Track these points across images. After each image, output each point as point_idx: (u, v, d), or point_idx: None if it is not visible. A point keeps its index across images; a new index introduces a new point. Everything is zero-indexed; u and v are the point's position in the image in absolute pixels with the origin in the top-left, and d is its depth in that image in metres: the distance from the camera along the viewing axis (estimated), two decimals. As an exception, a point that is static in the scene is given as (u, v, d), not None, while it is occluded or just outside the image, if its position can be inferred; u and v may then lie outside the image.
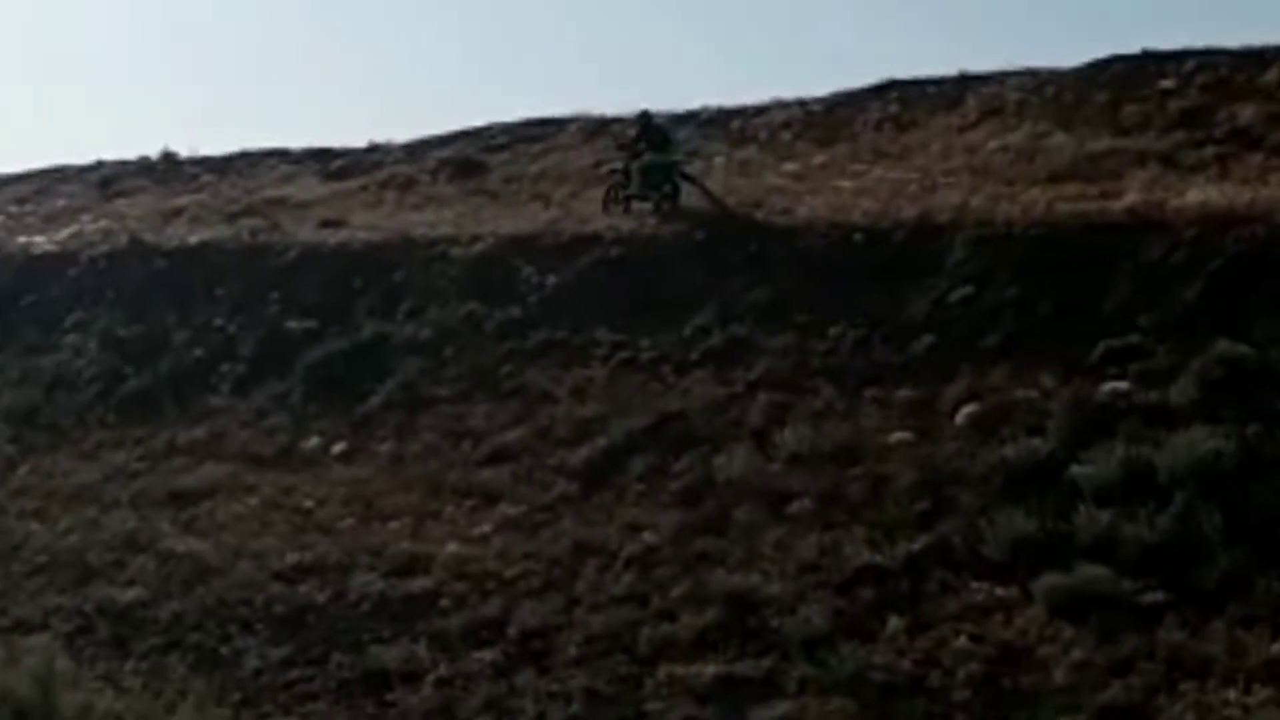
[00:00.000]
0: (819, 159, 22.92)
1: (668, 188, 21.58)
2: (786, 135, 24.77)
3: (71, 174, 35.09)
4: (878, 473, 14.62)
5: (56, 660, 13.38)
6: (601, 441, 16.55)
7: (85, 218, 29.87)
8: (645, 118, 23.21)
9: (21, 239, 28.59)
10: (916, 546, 13.31)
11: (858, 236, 18.52)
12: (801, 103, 25.83)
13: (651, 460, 16.06)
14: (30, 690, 11.93)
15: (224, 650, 14.50)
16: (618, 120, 27.07)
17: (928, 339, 16.49)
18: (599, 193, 22.96)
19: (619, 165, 22.83)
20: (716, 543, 14.25)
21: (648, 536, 14.57)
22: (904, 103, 24.63)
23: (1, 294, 25.88)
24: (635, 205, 21.96)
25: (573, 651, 13.09)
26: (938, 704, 11.46)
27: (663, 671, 12.44)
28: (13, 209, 32.45)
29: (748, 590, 13.22)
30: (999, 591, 12.56)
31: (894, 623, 12.41)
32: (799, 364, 16.85)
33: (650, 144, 22.46)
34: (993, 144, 21.72)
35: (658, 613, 13.34)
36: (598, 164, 25.30)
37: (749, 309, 17.98)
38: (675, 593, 13.51)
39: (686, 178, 21.85)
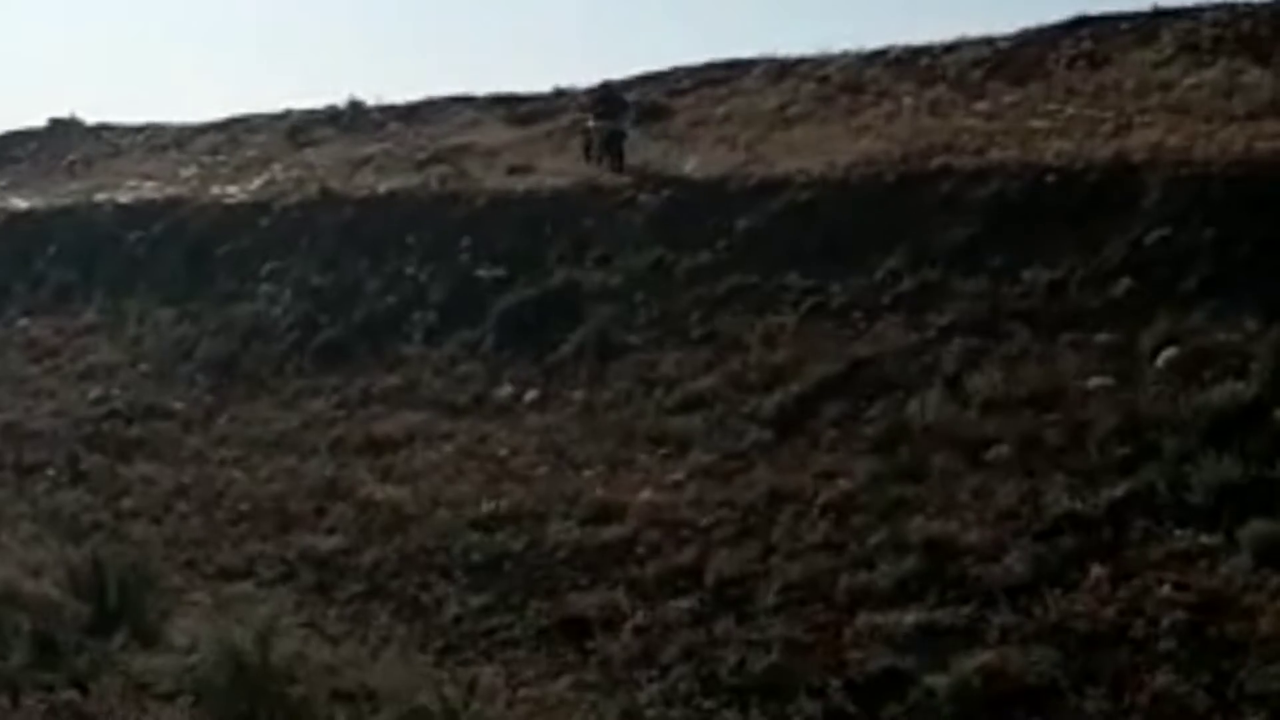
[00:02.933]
0: (1009, 98, 22.48)
1: (615, 150, 24.01)
2: (976, 74, 24.34)
3: (260, 123, 35.53)
4: (1077, 418, 14.34)
5: (270, 609, 13.67)
6: (794, 388, 16.46)
7: (276, 167, 30.27)
8: (605, 87, 26.38)
9: (215, 189, 29.05)
10: (1118, 493, 13.05)
11: (1050, 177, 18.17)
12: (990, 40, 25.36)
13: (844, 407, 15.94)
14: (247, 639, 12.16)
15: (424, 598, 14.70)
16: (804, 61, 26.87)
17: (1125, 282, 16.14)
18: (788, 136, 22.88)
19: (589, 125, 25.27)
20: (913, 489, 14.10)
21: (843, 483, 14.46)
22: (1096, 39, 24.07)
23: (197, 244, 26.36)
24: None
25: (770, 600, 13.07)
26: (1141, 653, 11.26)
27: (861, 620, 12.36)
28: (205, 159, 32.97)
29: (946, 538, 13.09)
30: (1203, 539, 12.28)
31: (1096, 571, 12.20)
32: (993, 308, 16.60)
33: (607, 111, 24.88)
34: (1188, 81, 21.17)
35: (855, 560, 13.26)
36: (783, 107, 25.17)
37: (941, 253, 17.72)
38: (872, 540, 13.41)
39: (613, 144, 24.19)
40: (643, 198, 21.20)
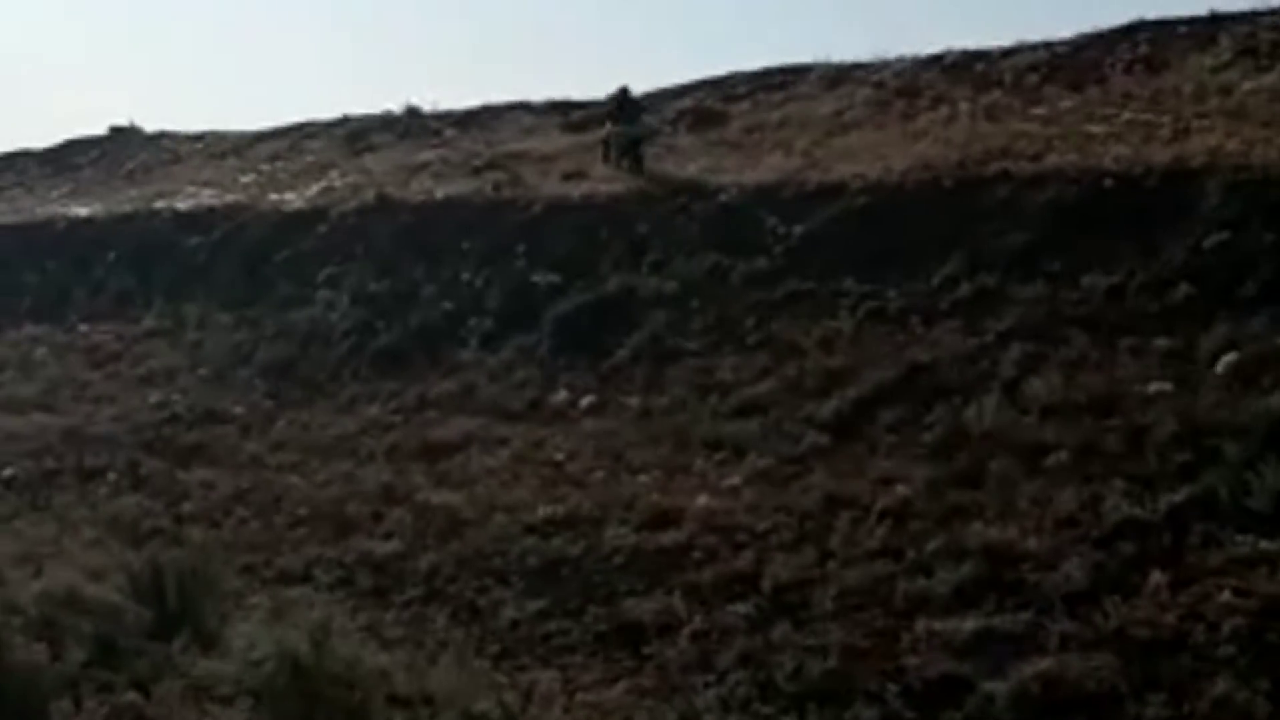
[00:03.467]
0: (1067, 103, 22.41)
1: (632, 155, 24.83)
2: (1033, 78, 24.27)
3: (318, 130, 35.69)
4: (1136, 424, 14.27)
5: (326, 612, 13.73)
6: (850, 393, 16.43)
7: (333, 173, 30.41)
8: (623, 92, 26.29)
9: (273, 195, 29.22)
10: (1178, 499, 12.97)
11: (1109, 182, 18.11)
12: (1048, 45, 25.29)
13: (901, 412, 15.91)
14: (304, 643, 12.21)
15: (481, 602, 14.70)
16: (860, 66, 26.84)
17: (1184, 287, 16.08)
18: (844, 141, 22.87)
19: (607, 130, 25.94)
20: (971, 496, 14.05)
21: (900, 489, 14.42)
22: (1154, 43, 23.99)
23: (256, 250, 26.49)
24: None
25: (828, 605, 13.02)
26: (1202, 660, 11.17)
27: (920, 626, 12.31)
28: (264, 166, 33.15)
29: (1005, 544, 13.02)
30: (1264, 544, 12.17)
31: (1155, 577, 12.10)
32: (1051, 313, 16.55)
33: (624, 116, 25.65)
34: (1247, 85, 21.06)
35: (913, 566, 13.20)
36: (839, 112, 25.15)
37: (998, 258, 17.68)
38: (930, 546, 13.34)
39: (631, 149, 24.98)
40: (698, 203, 21.15)
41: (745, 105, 27.41)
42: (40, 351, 26.48)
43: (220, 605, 14.56)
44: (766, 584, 13.58)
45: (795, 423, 16.38)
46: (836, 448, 15.70)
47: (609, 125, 25.90)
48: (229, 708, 12.22)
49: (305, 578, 16.17)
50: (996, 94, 24.10)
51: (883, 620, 12.64)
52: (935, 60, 26.47)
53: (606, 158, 25.51)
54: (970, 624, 12.15)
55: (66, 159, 40.84)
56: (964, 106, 23.63)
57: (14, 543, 17.69)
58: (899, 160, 20.63)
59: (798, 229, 19.77)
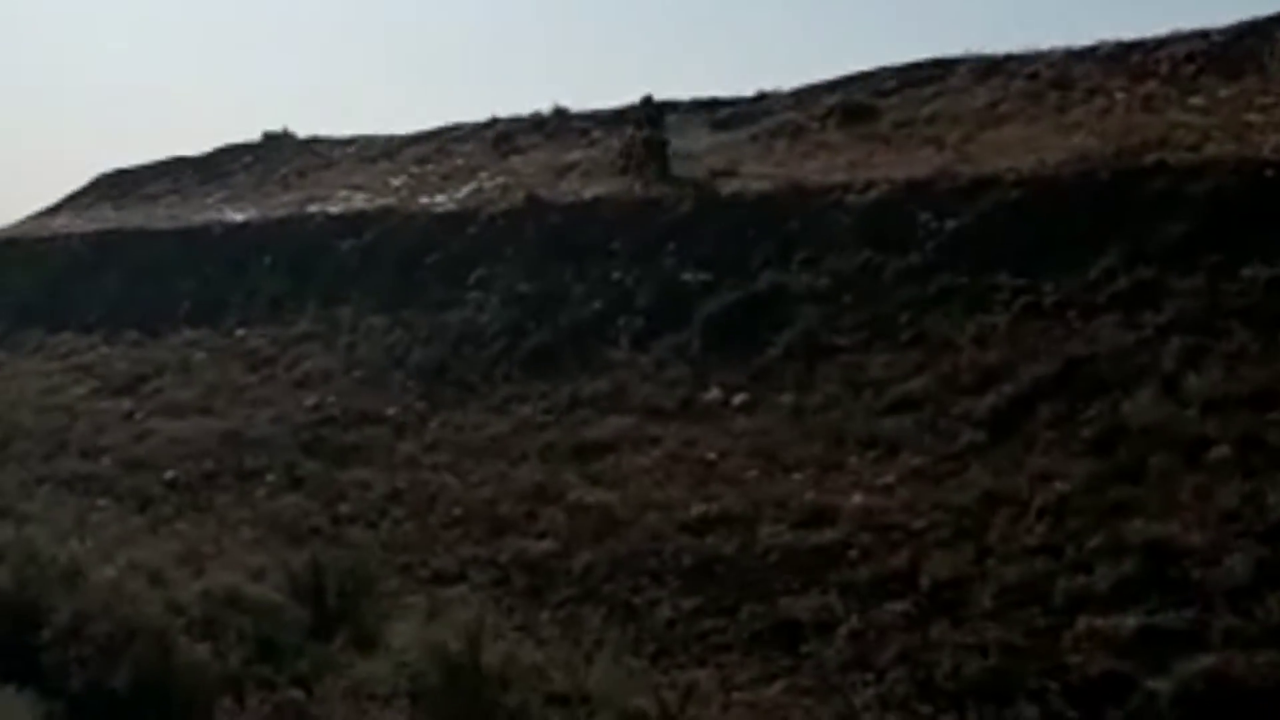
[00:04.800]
0: (1225, 92, 21.99)
1: (658, 157, 25.93)
2: (1189, 68, 23.84)
3: (467, 132, 35.92)
4: (1299, 417, 14.05)
5: (482, 612, 13.82)
6: (1007, 389, 16.20)
7: (482, 175, 30.56)
8: (647, 100, 27.41)
9: (424, 198, 29.43)
10: (1345, 493, 12.77)
11: (1269, 172, 17.74)
12: (1204, 34, 24.79)
13: (1059, 407, 15.65)
14: (459, 643, 12.31)
15: (636, 601, 14.74)
16: (1012, 58, 26.52)
17: (1348, 277, 15.78)
18: (996, 134, 22.64)
19: (630, 135, 27.10)
20: (1131, 491, 13.80)
21: (1059, 485, 14.21)
22: (1314, 31, 23.53)
23: (407, 253, 26.68)
24: None
25: (986, 603, 12.90)
26: (1371, 657, 11.01)
27: (1081, 623, 12.16)
28: (414, 169, 33.41)
29: (1166, 540, 12.80)
30: None
31: (1321, 572, 11.95)
32: (1211, 306, 16.20)
33: (649, 121, 26.81)
34: None
35: (1073, 563, 13.02)
36: (991, 105, 24.88)
37: (1156, 250, 17.35)
38: (1090, 543, 13.15)
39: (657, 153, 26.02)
40: (849, 199, 20.98)
41: (895, 100, 27.14)
42: (199, 356, 26.91)
43: (378, 605, 14.74)
44: (924, 581, 13.49)
45: (950, 419, 16.19)
46: (993, 444, 15.49)
47: (632, 131, 27.07)
48: (388, 707, 12.35)
49: (460, 577, 16.32)
50: (1152, 84, 23.68)
51: (1042, 618, 12.51)
52: (1089, 51, 26.05)
53: (628, 164, 26.50)
54: (1132, 621, 12.00)
55: (221, 165, 41.49)
56: (1120, 97, 23.26)
57: (176, 543, 18.05)
58: (1053, 153, 20.29)
59: (950, 223, 19.52)
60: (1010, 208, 19.20)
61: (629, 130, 27.01)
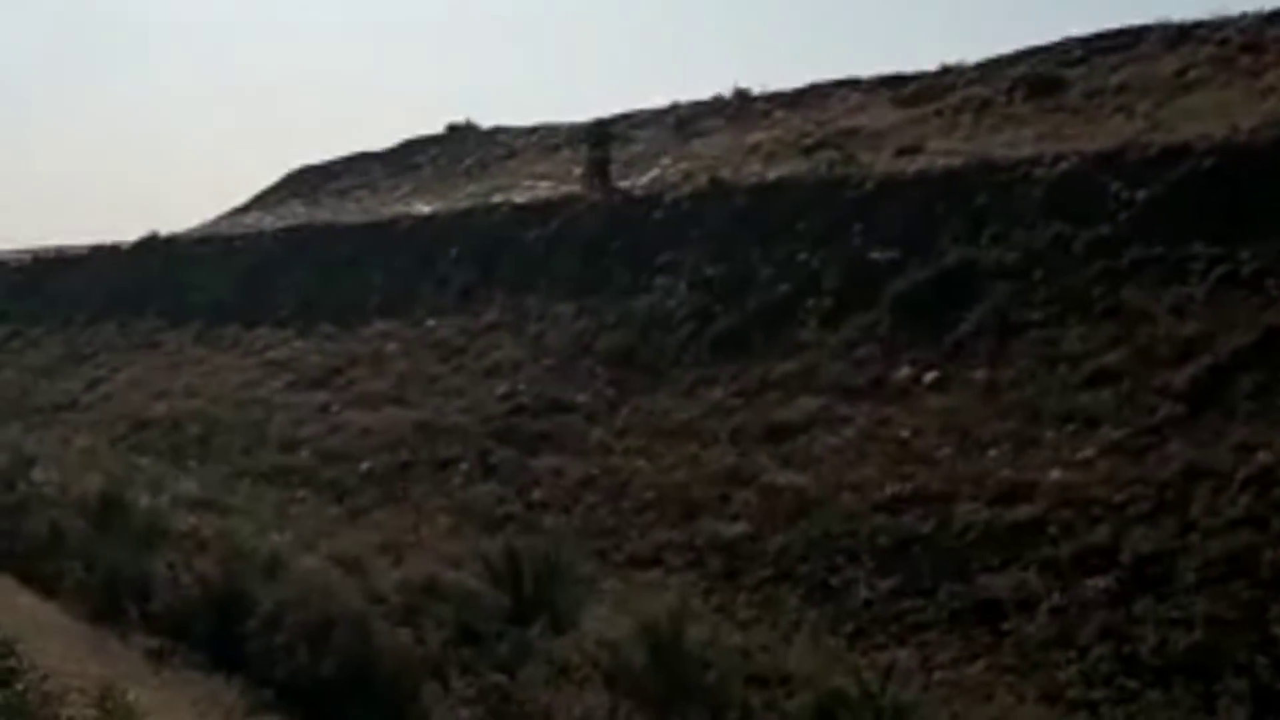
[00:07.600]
0: None
1: (602, 172, 30.05)
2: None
3: (647, 118, 36.04)
4: None
5: (683, 594, 13.86)
6: (1206, 360, 15.84)
7: (664, 160, 30.66)
8: (598, 123, 33.30)
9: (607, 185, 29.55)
10: None
11: None
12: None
13: (1260, 377, 15.25)
14: (662, 623, 12.35)
15: (833, 581, 14.69)
16: (1201, 24, 26.02)
17: None
18: (1187, 102, 22.21)
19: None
20: (1337, 461, 13.53)
21: (1263, 456, 13.85)
22: None
23: (592, 240, 26.80)
24: None
25: (1190, 577, 12.66)
26: None
27: (1289, 597, 11.95)
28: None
29: (1375, 510, 12.55)
30: None
31: None
32: None
33: (598, 141, 31.25)
34: None
35: (1279, 536, 12.79)
36: (1181, 72, 24.42)
37: (1357, 215, 16.94)
38: (1296, 515, 12.92)
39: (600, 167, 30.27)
40: (1038, 172, 20.66)
41: (1082, 70, 26.74)
42: (390, 347, 27.27)
43: (574, 590, 14.81)
44: (1125, 557, 13.27)
45: (1149, 392, 15.86)
46: (1193, 416, 15.15)
47: (585, 150, 31.85)
48: (589, 690, 12.40)
49: (655, 561, 16.38)
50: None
51: (1248, 591, 12.25)
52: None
53: (587, 183, 30.21)
54: (1343, 593, 11.73)
55: (406, 159, 42.07)
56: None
57: (374, 533, 18.31)
58: (1246, 119, 19.79)
59: (1142, 194, 19.13)
60: (1204, 176, 18.76)
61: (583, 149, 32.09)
